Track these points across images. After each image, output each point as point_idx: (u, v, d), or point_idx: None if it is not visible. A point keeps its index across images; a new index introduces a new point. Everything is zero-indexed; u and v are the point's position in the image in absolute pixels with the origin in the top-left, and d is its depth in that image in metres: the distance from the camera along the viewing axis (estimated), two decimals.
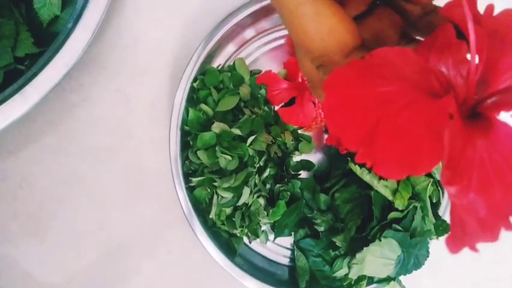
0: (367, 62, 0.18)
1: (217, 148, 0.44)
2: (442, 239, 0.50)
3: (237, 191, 0.44)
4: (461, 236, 0.15)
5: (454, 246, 0.16)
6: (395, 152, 0.16)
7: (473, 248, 0.15)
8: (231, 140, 0.45)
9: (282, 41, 0.51)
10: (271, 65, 0.51)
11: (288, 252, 0.51)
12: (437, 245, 0.49)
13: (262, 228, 0.49)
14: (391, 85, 0.18)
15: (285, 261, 0.51)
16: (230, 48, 0.50)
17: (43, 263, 0.48)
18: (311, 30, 0.19)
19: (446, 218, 0.51)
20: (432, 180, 0.47)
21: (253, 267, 0.49)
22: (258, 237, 0.48)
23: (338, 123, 0.18)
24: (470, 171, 0.16)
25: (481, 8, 0.20)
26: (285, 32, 0.51)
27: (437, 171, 0.50)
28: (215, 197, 0.45)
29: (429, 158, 0.16)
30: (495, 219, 0.15)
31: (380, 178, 0.45)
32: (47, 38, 0.41)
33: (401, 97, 0.18)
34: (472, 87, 0.18)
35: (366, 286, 0.48)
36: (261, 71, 0.50)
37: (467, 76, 0.18)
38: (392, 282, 0.48)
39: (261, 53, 0.51)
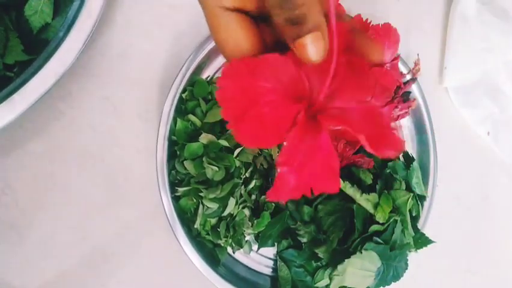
0: (257, 61, 0.23)
1: (204, 159, 0.45)
2: (421, 252, 0.51)
3: (223, 202, 0.45)
4: (280, 191, 0.23)
5: (273, 196, 0.23)
6: (252, 130, 0.23)
7: (287, 198, 0.24)
8: (218, 151, 0.45)
9: None
10: None
11: (271, 263, 0.52)
12: (415, 258, 0.50)
13: (246, 239, 0.49)
14: (267, 82, 0.23)
15: (268, 271, 0.52)
16: (219, 60, 0.50)
17: (23, 270, 0.47)
18: (222, 39, 0.24)
19: (425, 231, 0.52)
20: (412, 194, 0.49)
21: (236, 277, 0.49)
22: (241, 247, 0.48)
23: (223, 102, 0.23)
24: (297, 157, 0.23)
25: None
26: None
27: (417, 187, 0.52)
28: (200, 207, 0.46)
29: (273, 141, 0.24)
30: (300, 187, 0.24)
31: (363, 192, 0.47)
32: (38, 46, 0.41)
33: (270, 93, 0.23)
34: (321, 97, 0.24)
35: None
36: None
37: (321, 87, 0.24)
38: None
39: None
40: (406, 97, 0.53)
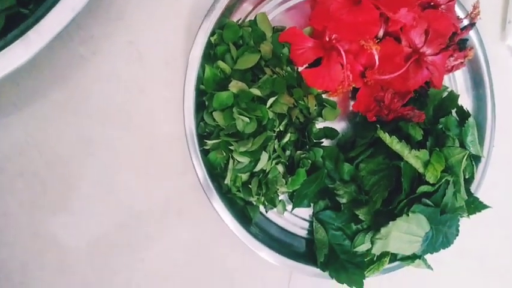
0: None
1: (234, 109, 0.42)
2: (473, 217, 0.47)
3: (255, 156, 0.42)
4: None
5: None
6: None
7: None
8: (250, 101, 0.42)
9: None
10: (294, 22, 0.47)
11: (307, 224, 0.49)
12: (466, 224, 0.46)
13: (279, 198, 0.46)
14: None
15: (303, 233, 0.49)
16: (250, 2, 0.46)
17: (49, 222, 0.46)
18: None
19: (479, 195, 0.48)
20: (467, 153, 0.44)
21: (269, 237, 0.47)
22: (275, 206, 0.46)
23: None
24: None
25: None
26: None
27: (472, 146, 0.47)
28: (231, 161, 0.43)
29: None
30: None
31: (412, 148, 0.42)
32: None
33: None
34: None
35: (388, 263, 0.46)
36: (285, 28, 0.46)
37: None
38: (417, 261, 0.46)
39: (283, 9, 0.47)
40: (463, 45, 0.48)
